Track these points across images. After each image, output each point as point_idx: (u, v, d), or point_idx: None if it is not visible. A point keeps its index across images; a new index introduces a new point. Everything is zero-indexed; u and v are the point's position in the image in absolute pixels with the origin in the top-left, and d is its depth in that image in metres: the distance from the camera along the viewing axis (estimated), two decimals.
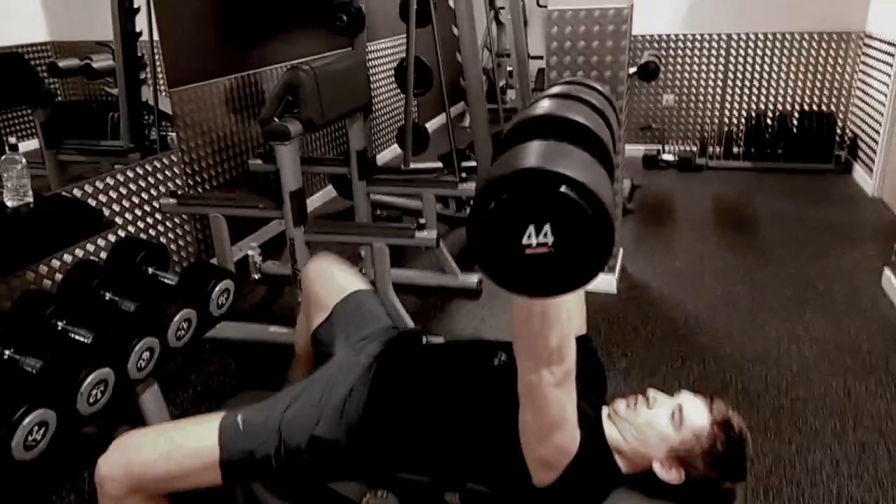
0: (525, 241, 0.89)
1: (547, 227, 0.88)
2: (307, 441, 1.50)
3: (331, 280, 1.95)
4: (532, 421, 1.27)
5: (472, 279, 3.47)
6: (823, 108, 5.42)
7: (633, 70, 4.42)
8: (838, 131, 5.36)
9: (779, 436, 2.37)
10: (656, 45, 5.63)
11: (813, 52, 5.34)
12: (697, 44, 5.57)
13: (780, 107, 5.52)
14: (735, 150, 5.56)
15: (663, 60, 5.52)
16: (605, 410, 1.53)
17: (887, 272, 3.38)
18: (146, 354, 1.96)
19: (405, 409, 1.53)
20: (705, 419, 1.41)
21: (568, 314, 1.18)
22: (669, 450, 1.41)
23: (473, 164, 4.24)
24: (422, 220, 2.71)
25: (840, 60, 5.31)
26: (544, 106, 1.11)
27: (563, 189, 0.87)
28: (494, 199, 0.90)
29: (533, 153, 0.93)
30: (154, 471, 1.45)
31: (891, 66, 4.57)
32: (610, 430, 1.47)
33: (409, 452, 1.51)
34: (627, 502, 1.43)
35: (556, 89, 1.29)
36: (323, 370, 1.67)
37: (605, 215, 0.88)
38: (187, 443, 1.48)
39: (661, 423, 1.43)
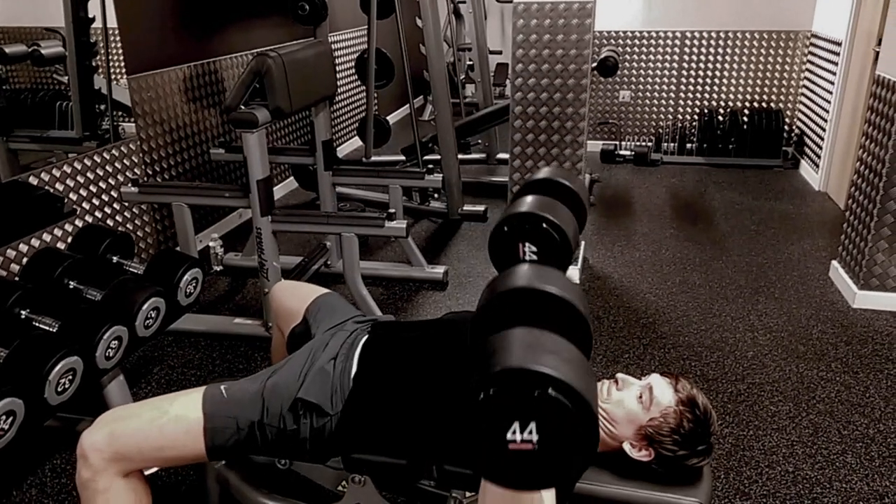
0: (510, 436, 0.90)
1: (532, 426, 0.89)
2: (290, 404, 1.50)
3: (297, 291, 2.00)
4: None
5: (439, 271, 3.49)
6: (772, 105, 5.60)
7: (592, 65, 4.49)
8: (786, 128, 5.55)
9: (737, 419, 2.46)
10: (613, 41, 5.73)
11: (763, 50, 5.51)
12: (653, 41, 5.70)
13: (731, 103, 5.69)
14: (688, 145, 5.71)
15: (620, 57, 5.62)
16: None
17: (834, 263, 3.53)
18: (114, 343, 1.92)
19: (387, 381, 1.54)
20: (671, 398, 1.47)
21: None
22: (638, 429, 1.45)
23: (437, 156, 4.27)
24: (391, 211, 2.71)
25: (788, 59, 5.49)
26: (523, 274, 1.14)
27: (549, 391, 0.88)
28: (480, 393, 0.91)
29: (517, 347, 0.94)
30: (138, 439, 1.44)
31: (835, 64, 4.76)
32: None
33: (389, 425, 1.51)
34: (594, 480, 1.47)
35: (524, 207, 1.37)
36: (303, 347, 1.68)
37: (590, 415, 0.89)
38: (172, 410, 1.48)
39: (629, 404, 1.48)
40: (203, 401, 1.49)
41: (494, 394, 0.90)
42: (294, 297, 1.95)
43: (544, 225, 1.33)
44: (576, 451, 0.91)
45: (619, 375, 1.54)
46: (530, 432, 0.89)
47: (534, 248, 1.35)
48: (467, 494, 1.63)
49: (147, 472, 1.56)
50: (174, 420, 1.47)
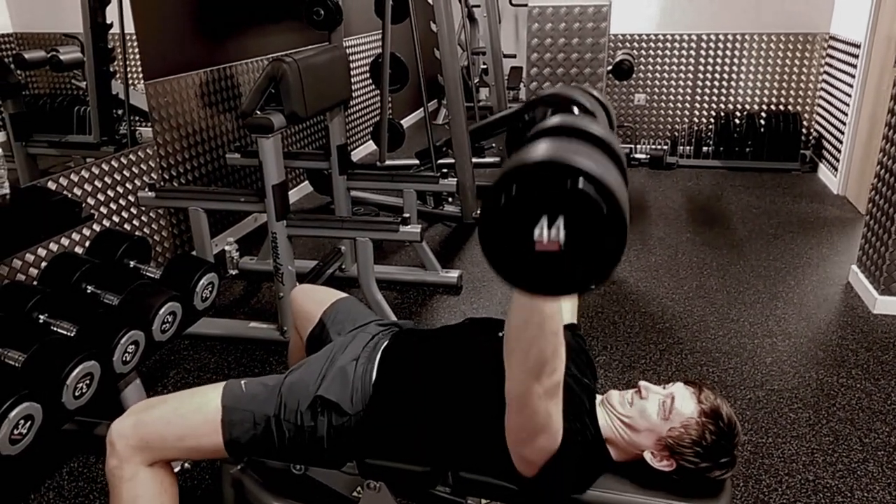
0: (536, 235, 0.86)
1: (560, 222, 0.85)
2: (309, 402, 1.51)
3: (316, 295, 2.01)
4: (518, 424, 1.29)
5: (453, 275, 3.48)
6: (790, 108, 5.55)
7: (607, 69, 4.48)
8: (804, 131, 5.50)
9: (756, 427, 2.43)
10: (629, 44, 5.70)
11: (780, 52, 5.46)
12: (668, 44, 5.66)
13: (747, 106, 5.64)
14: (704, 148, 5.68)
15: (635, 60, 5.59)
16: (598, 398, 1.55)
17: (854, 268, 3.48)
18: (131, 348, 1.93)
19: (406, 387, 1.54)
20: (693, 409, 1.43)
21: (561, 314, 1.17)
22: (659, 439, 1.43)
23: (451, 160, 4.26)
24: (405, 215, 2.71)
25: (805, 61, 5.44)
26: (556, 120, 1.05)
27: (580, 184, 0.84)
28: (508, 189, 0.86)
29: (550, 147, 0.90)
30: (160, 426, 1.48)
31: (854, 66, 4.70)
32: (603, 418, 1.49)
33: (407, 430, 1.51)
34: (613, 489, 1.45)
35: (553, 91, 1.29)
36: (323, 349, 1.68)
37: (620, 215, 0.85)
38: (195, 400, 1.54)
39: (650, 414, 1.45)
40: (223, 393, 1.53)
41: (525, 187, 0.85)
42: (312, 301, 1.96)
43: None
44: (602, 255, 0.86)
45: (642, 383, 1.51)
46: (558, 231, 0.85)
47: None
48: (483, 502, 1.62)
49: (175, 470, 1.58)
50: (195, 410, 1.51)
